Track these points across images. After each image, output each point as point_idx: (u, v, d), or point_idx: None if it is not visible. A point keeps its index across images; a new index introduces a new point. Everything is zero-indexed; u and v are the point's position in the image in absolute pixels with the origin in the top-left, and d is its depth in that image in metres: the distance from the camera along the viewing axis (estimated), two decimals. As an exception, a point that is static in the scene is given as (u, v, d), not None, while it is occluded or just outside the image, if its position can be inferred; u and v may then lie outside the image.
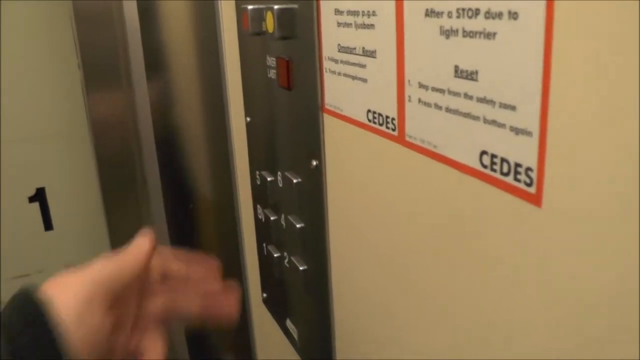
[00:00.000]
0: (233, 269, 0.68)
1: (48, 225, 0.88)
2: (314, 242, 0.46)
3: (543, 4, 0.22)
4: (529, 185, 0.24)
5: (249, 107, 0.58)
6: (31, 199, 0.86)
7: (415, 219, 0.33)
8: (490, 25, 0.25)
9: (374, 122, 0.35)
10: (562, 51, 0.22)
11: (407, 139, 0.32)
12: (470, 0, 0.26)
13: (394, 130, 0.33)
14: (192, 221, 0.70)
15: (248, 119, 0.58)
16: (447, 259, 0.31)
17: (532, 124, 0.24)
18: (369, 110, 0.36)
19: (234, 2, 0.57)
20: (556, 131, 0.23)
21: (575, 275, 0.23)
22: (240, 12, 0.55)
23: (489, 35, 0.25)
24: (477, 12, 0.26)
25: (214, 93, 0.65)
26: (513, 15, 0.24)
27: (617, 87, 0.20)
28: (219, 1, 0.62)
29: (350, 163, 0.39)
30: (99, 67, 0.64)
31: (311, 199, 0.45)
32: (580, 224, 0.22)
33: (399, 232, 0.35)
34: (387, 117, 0.34)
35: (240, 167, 0.64)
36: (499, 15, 0.24)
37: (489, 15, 0.25)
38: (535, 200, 0.24)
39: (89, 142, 0.86)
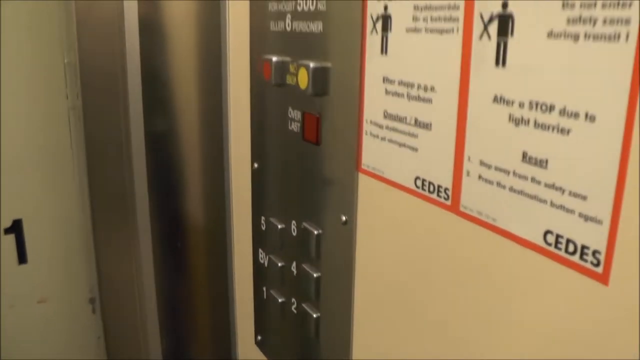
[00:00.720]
0: (219, 310, 0.68)
1: (22, 258, 0.84)
2: (334, 293, 0.48)
3: (623, 111, 0.26)
4: (596, 265, 0.28)
5: (257, 154, 0.59)
6: (7, 231, 0.82)
7: (464, 285, 0.36)
8: (564, 122, 0.28)
9: (423, 189, 0.38)
10: (639, 152, 0.25)
11: (461, 209, 0.35)
12: (545, 96, 0.29)
13: (446, 199, 0.36)
14: (179, 260, 0.70)
15: (255, 165, 0.59)
16: (497, 325, 0.33)
17: (604, 214, 0.27)
18: (417, 177, 0.38)
19: (248, 49, 0.59)
20: (628, 222, 0.26)
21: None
22: (257, 61, 0.57)
23: (563, 131, 0.28)
24: (551, 108, 0.29)
25: (214, 135, 0.66)
26: (590, 118, 0.27)
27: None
28: (227, 51, 0.64)
29: (389, 222, 0.42)
30: (97, 100, 0.64)
31: (335, 251, 0.47)
32: (649, 305, 0.25)
33: (434, 293, 0.38)
34: (439, 186, 0.36)
35: (239, 211, 0.65)
36: (575, 115, 0.28)
37: (563, 113, 0.28)
38: (603, 279, 0.27)
39: (70, 173, 0.84)
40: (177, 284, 0.71)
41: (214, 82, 0.66)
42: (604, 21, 0.26)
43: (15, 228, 0.82)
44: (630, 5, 0.25)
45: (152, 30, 0.66)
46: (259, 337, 0.63)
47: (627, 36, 0.25)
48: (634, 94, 0.25)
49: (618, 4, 0.25)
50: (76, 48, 0.60)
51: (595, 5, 0.26)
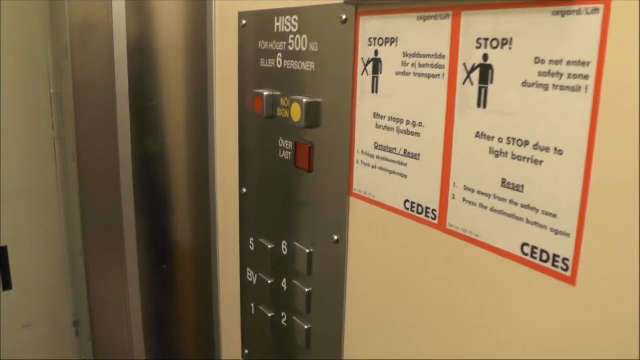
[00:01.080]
0: (205, 327, 0.72)
1: (7, 284, 0.85)
2: (325, 305, 0.53)
3: (584, 147, 0.32)
4: (566, 270, 0.34)
5: (246, 180, 0.64)
6: (-8, 259, 0.83)
7: (451, 294, 0.41)
8: (538, 154, 0.35)
9: (412, 211, 0.44)
10: (598, 180, 0.32)
11: (448, 227, 0.41)
12: (521, 133, 0.36)
13: (434, 219, 0.42)
14: (166, 281, 0.73)
15: (244, 190, 0.64)
16: (478, 327, 0.39)
17: (571, 228, 0.34)
18: (407, 200, 0.44)
19: (236, 81, 0.64)
20: (591, 234, 0.33)
21: (601, 342, 0.32)
22: (247, 94, 0.62)
23: (536, 162, 0.35)
24: (526, 143, 0.35)
25: (201, 162, 0.70)
26: (559, 152, 0.34)
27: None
28: (214, 81, 0.69)
29: (379, 239, 0.47)
30: (89, 128, 0.67)
31: (327, 266, 0.52)
32: (608, 299, 0.32)
33: (423, 302, 0.43)
34: (427, 208, 0.42)
35: (226, 232, 0.69)
36: (547, 149, 0.34)
37: (537, 147, 0.35)
38: (571, 280, 0.34)
39: (55, 201, 0.86)
40: (164, 304, 0.74)
41: (200, 111, 0.71)
42: (569, 76, 0.33)
43: (0, 255, 0.83)
44: (589, 64, 0.31)
45: (141, 58, 0.70)
46: (246, 351, 0.67)
47: (587, 88, 0.32)
48: (592, 134, 0.32)
49: (579, 62, 0.32)
50: (71, 78, 0.63)
51: (561, 62, 0.33)
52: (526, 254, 0.36)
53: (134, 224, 0.71)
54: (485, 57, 0.37)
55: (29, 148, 0.83)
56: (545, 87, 0.34)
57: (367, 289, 0.49)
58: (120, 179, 0.70)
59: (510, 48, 0.36)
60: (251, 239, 0.63)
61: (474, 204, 0.39)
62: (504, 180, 0.37)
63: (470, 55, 0.38)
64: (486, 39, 0.37)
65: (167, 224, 0.73)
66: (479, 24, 0.37)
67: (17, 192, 0.83)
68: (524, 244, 0.36)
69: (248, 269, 0.65)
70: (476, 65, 0.38)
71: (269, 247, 0.60)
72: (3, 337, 0.85)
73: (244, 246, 0.65)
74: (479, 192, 0.39)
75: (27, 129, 0.82)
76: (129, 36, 0.67)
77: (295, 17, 0.54)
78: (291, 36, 0.55)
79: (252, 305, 0.64)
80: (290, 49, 0.55)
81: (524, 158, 0.36)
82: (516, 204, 0.36)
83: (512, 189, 0.37)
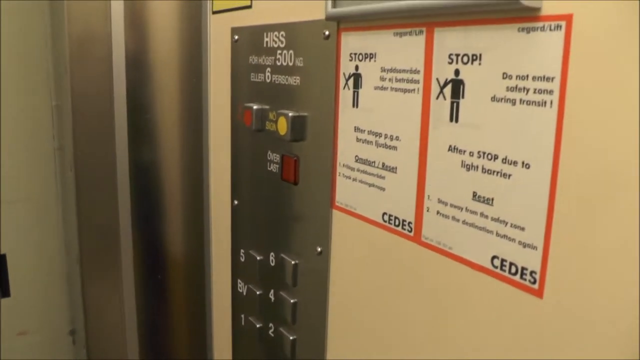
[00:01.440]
0: (198, 337, 0.72)
1: (5, 291, 0.87)
2: (309, 316, 0.53)
3: (550, 161, 0.33)
4: (533, 283, 0.34)
5: (237, 192, 0.65)
6: (-10, 266, 0.85)
7: (426, 304, 0.42)
8: (506, 168, 0.35)
9: (390, 223, 0.44)
10: (563, 194, 0.32)
11: (423, 239, 0.41)
12: (490, 147, 0.36)
13: (410, 231, 0.42)
14: (160, 291, 0.74)
15: (235, 202, 0.65)
16: (451, 337, 0.40)
17: (538, 241, 0.34)
18: (384, 213, 0.45)
19: (228, 95, 0.65)
20: (557, 247, 0.33)
21: (567, 353, 0.33)
22: (238, 107, 0.63)
23: (505, 175, 0.35)
24: (495, 157, 0.36)
25: (195, 175, 0.71)
26: (526, 165, 0.34)
27: (606, 225, 0.30)
28: (208, 95, 0.70)
29: (359, 251, 0.48)
30: (87, 139, 0.69)
31: (311, 278, 0.53)
32: (574, 311, 0.32)
33: (401, 313, 0.44)
34: (403, 220, 0.43)
35: (218, 244, 0.70)
36: (514, 163, 0.35)
37: (505, 161, 0.35)
38: (538, 293, 0.34)
39: (54, 211, 0.88)
40: (158, 313, 0.75)
41: (195, 124, 0.72)
42: (534, 91, 0.33)
43: None
44: (552, 79, 0.32)
45: (138, 70, 0.71)
46: (236, 362, 0.68)
47: (552, 103, 0.32)
48: (557, 148, 0.32)
49: (544, 77, 0.32)
50: (69, 90, 0.65)
51: (527, 77, 0.33)
52: (496, 267, 0.37)
53: (130, 234, 0.72)
54: (457, 72, 0.38)
55: (29, 158, 0.85)
56: (513, 102, 0.34)
57: (348, 300, 0.49)
58: (117, 190, 0.71)
59: (479, 63, 0.36)
60: (242, 251, 0.64)
61: (447, 216, 0.40)
62: (475, 194, 0.37)
63: (443, 71, 0.39)
64: (457, 55, 0.38)
65: (162, 235, 0.74)
66: (451, 40, 0.38)
67: (16, 201, 0.85)
68: (494, 257, 0.37)
69: (239, 280, 0.65)
70: (448, 80, 0.38)
71: (258, 258, 0.60)
72: (1, 343, 0.86)
73: (235, 257, 0.66)
74: (451, 205, 0.39)
75: (28, 139, 0.84)
76: (127, 49, 0.69)
77: (283, 32, 0.55)
78: (279, 51, 0.56)
79: (242, 316, 0.65)
80: (278, 63, 0.56)
81: (494, 172, 0.36)
82: (486, 216, 0.37)
83: (483, 202, 0.37)
